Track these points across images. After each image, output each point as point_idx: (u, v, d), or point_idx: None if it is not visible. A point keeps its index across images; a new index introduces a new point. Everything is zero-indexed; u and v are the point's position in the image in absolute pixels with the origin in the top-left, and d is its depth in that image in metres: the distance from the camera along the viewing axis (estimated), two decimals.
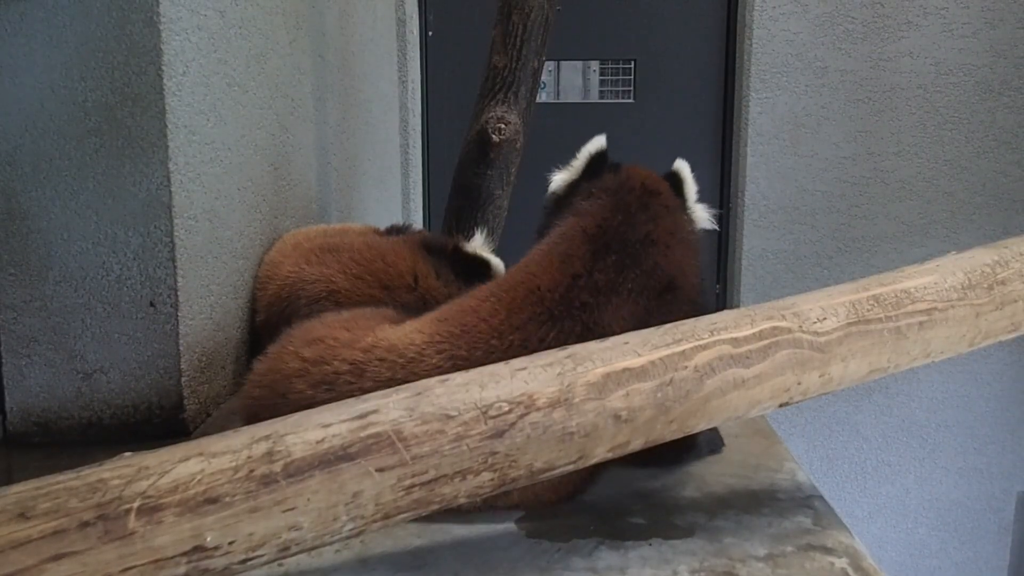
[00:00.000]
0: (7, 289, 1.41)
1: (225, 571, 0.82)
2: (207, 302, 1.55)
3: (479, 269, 1.61)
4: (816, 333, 1.06)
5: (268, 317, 1.72)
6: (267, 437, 0.86)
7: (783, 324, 1.06)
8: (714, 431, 1.39)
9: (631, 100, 4.14)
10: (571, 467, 0.97)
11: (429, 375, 0.98)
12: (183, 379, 1.45)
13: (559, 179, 1.38)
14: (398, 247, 1.68)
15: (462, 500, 0.92)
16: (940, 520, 4.30)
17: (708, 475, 1.30)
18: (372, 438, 0.87)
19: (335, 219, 2.54)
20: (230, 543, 0.81)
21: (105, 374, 1.44)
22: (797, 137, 4.08)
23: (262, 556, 0.83)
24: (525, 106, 2.02)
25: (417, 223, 3.93)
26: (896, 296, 1.11)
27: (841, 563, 1.03)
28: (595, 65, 4.16)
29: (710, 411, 1.02)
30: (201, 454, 0.83)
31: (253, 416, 1.08)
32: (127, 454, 0.85)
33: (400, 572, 1.03)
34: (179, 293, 1.43)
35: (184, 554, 0.79)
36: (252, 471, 0.82)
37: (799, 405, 1.11)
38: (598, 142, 1.39)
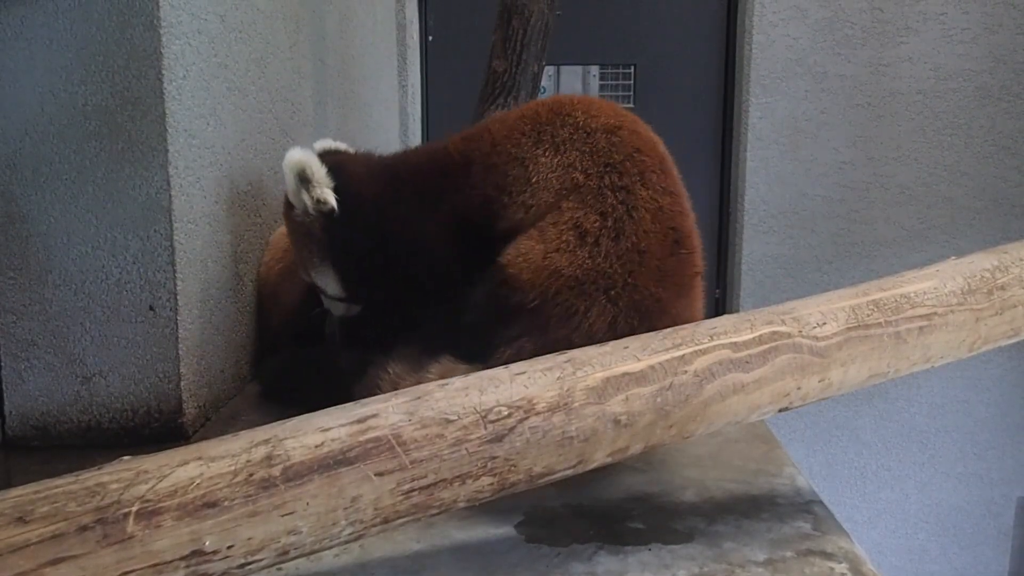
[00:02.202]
0: (6, 293, 1.41)
1: (224, 575, 0.82)
2: (207, 306, 1.55)
3: None
4: (816, 338, 1.06)
5: (284, 267, 1.78)
6: (266, 441, 0.86)
7: (783, 329, 1.06)
8: None
9: (631, 105, 4.14)
10: (570, 472, 0.97)
11: None
12: (182, 383, 1.45)
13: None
14: None
15: (461, 505, 0.92)
16: (940, 525, 4.29)
17: (707, 480, 1.30)
18: (371, 442, 0.87)
19: None
20: (229, 547, 0.81)
21: (104, 378, 1.44)
22: (797, 142, 4.09)
23: (261, 560, 0.83)
24: None
25: None
26: (896, 301, 1.11)
27: (841, 568, 1.03)
28: (595, 70, 4.17)
29: (710, 416, 1.02)
30: (200, 458, 0.83)
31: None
32: (126, 458, 0.85)
33: None
34: (179, 297, 1.43)
35: (183, 558, 0.79)
36: (251, 475, 0.82)
37: (799, 410, 1.11)
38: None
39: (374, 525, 0.87)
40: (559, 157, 1.32)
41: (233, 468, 0.83)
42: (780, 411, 1.08)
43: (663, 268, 1.25)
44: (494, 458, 0.90)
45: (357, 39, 2.94)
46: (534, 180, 1.33)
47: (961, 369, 4.09)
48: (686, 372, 1.00)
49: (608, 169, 1.29)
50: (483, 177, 1.38)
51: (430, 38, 4.11)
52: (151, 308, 1.43)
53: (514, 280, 1.26)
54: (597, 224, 1.26)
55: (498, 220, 1.35)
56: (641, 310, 1.22)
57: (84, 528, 0.77)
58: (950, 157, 4.08)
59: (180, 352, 1.44)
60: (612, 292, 1.22)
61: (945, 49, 4.00)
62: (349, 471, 0.85)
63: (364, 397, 0.95)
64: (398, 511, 0.88)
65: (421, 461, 0.87)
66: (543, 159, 1.33)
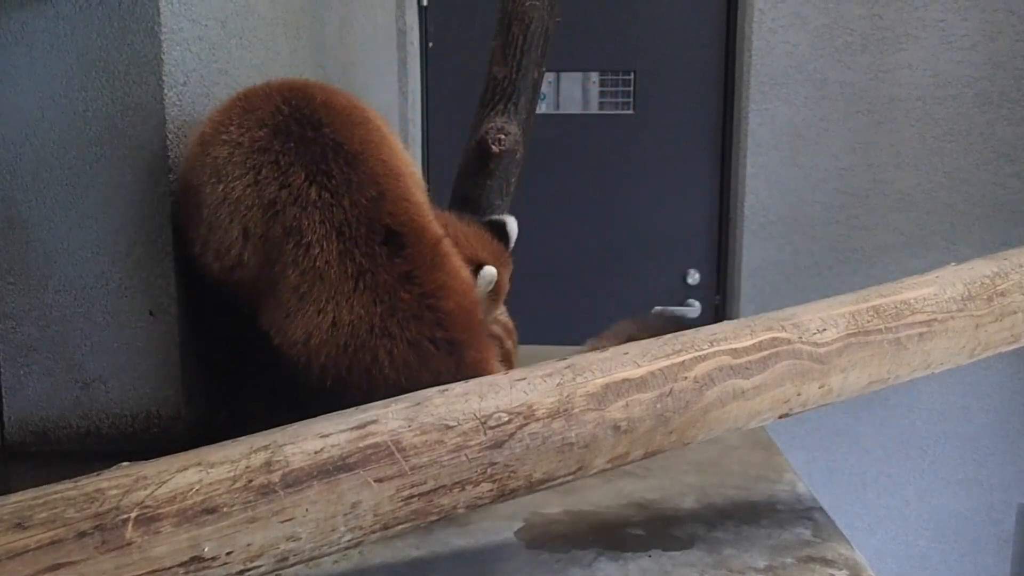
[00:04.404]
0: (6, 298, 1.41)
1: None
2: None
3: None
4: (816, 344, 1.06)
5: None
6: (265, 447, 0.86)
7: (783, 335, 1.06)
8: None
9: (631, 111, 4.14)
10: (570, 478, 0.97)
11: None
12: (182, 388, 1.45)
13: None
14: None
15: (461, 511, 0.92)
16: (940, 532, 4.28)
17: (707, 486, 1.30)
18: (371, 448, 0.87)
19: None
20: (228, 553, 0.81)
21: (104, 383, 1.44)
22: (796, 148, 4.09)
23: (260, 567, 0.83)
24: (525, 117, 2.03)
25: None
26: (896, 307, 1.11)
27: (841, 575, 1.03)
28: (595, 76, 4.17)
29: (709, 422, 1.02)
30: (199, 464, 0.83)
31: None
32: (125, 464, 0.85)
33: None
34: (179, 302, 1.43)
35: (182, 564, 0.79)
36: (250, 481, 0.82)
37: (799, 416, 1.11)
38: None
39: (373, 531, 0.87)
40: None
41: (232, 474, 0.83)
42: (780, 417, 1.08)
43: None
44: (494, 464, 0.90)
45: (357, 45, 2.94)
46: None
47: (961, 375, 4.08)
48: (686, 378, 1.00)
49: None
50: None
51: (430, 44, 4.11)
52: (151, 313, 1.42)
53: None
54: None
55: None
56: None
57: (83, 534, 0.77)
58: (950, 163, 4.08)
59: (180, 357, 1.44)
60: None
61: (945, 56, 4.01)
62: (348, 477, 0.85)
63: None
64: (397, 517, 0.88)
65: (421, 467, 0.87)
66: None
